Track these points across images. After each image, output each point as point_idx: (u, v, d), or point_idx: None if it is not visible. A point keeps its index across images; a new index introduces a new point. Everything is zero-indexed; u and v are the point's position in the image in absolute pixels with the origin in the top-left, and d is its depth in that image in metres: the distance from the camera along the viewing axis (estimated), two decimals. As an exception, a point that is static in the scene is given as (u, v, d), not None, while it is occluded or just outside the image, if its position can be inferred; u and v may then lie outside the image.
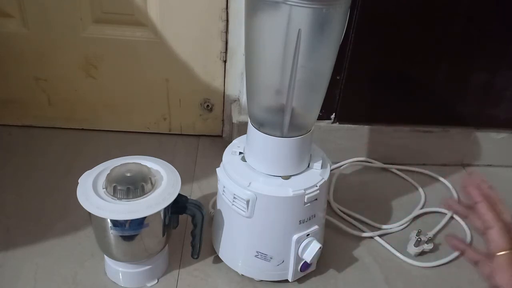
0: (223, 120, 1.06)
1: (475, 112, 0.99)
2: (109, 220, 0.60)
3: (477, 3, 0.85)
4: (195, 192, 0.89)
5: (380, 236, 0.82)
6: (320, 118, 0.95)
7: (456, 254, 0.77)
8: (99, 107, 1.03)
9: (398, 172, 1.00)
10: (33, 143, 1.00)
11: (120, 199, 0.61)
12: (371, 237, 0.81)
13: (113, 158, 0.67)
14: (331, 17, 0.54)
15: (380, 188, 0.95)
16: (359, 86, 0.93)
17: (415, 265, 0.76)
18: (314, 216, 0.66)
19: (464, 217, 0.50)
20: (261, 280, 0.70)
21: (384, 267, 0.76)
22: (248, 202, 0.62)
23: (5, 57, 0.96)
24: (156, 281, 0.69)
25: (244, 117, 0.95)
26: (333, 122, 0.97)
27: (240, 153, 0.69)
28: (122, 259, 0.65)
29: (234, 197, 0.63)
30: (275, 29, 0.56)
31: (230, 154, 0.69)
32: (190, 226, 0.69)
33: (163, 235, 0.65)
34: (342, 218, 0.85)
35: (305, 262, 0.66)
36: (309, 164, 0.67)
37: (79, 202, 0.59)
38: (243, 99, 0.95)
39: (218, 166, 0.68)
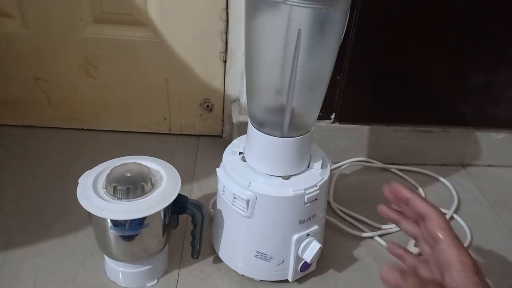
0: (223, 120, 1.06)
1: (475, 112, 0.99)
2: (109, 220, 0.60)
3: (477, 3, 0.85)
4: (195, 192, 0.89)
5: (380, 236, 0.81)
6: (320, 118, 0.95)
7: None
8: (99, 107, 1.03)
9: (398, 172, 1.00)
10: (33, 143, 1.00)
11: (120, 199, 0.61)
12: (371, 237, 0.81)
13: (113, 158, 0.67)
14: (331, 17, 0.54)
15: (380, 188, 0.93)
16: (359, 86, 0.93)
17: (415, 265, 0.76)
18: (314, 216, 0.66)
19: (396, 223, 0.53)
20: (261, 280, 0.70)
21: (384, 267, 0.75)
22: (248, 202, 0.62)
23: (5, 57, 0.96)
24: (156, 281, 0.69)
25: (244, 117, 0.95)
26: (333, 122, 0.97)
27: (240, 153, 0.69)
28: (122, 259, 0.65)
29: (234, 197, 0.63)
30: (275, 29, 0.55)
31: (230, 154, 0.69)
32: (190, 226, 0.69)
33: (163, 235, 0.65)
34: (342, 218, 0.85)
35: (305, 262, 0.66)
36: (309, 164, 0.67)
37: (79, 202, 0.59)
38: (243, 99, 0.95)
39: (218, 166, 0.68)
